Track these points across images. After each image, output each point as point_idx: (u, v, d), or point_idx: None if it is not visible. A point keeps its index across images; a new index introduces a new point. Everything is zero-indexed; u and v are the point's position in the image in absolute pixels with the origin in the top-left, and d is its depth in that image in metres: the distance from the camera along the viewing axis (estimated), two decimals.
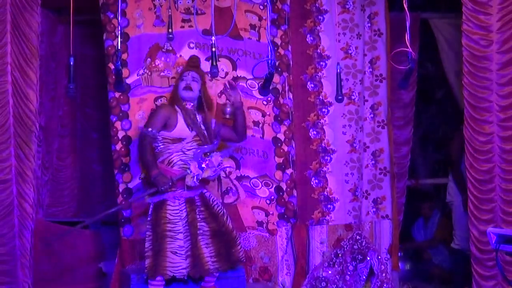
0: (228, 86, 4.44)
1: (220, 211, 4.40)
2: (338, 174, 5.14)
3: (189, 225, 4.26)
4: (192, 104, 4.44)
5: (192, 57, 4.62)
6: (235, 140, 4.65)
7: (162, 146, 4.33)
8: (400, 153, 5.86)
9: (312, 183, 5.12)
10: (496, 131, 4.71)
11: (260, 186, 4.92)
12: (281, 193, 4.95)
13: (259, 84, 4.90)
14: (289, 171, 4.97)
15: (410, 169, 6.07)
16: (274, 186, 4.95)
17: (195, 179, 4.24)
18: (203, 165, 4.26)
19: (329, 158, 5.14)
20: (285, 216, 4.96)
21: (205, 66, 4.84)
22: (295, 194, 4.99)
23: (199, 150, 4.30)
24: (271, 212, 4.94)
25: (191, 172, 4.24)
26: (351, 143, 5.18)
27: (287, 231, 4.97)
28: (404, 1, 3.21)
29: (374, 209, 5.22)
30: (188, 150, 4.34)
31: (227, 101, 4.45)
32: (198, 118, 4.45)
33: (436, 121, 6.93)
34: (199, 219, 4.31)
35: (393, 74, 5.29)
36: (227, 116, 4.41)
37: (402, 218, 5.83)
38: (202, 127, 4.44)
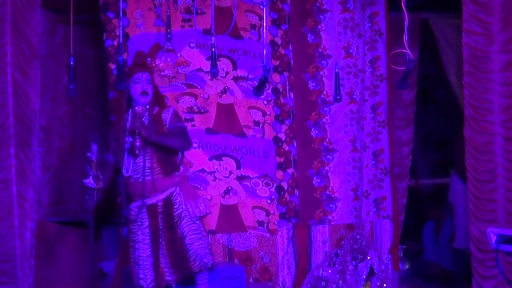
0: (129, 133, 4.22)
1: (176, 217, 4.21)
2: (340, 173, 5.14)
3: (151, 233, 4.17)
4: (141, 107, 4.26)
5: (138, 53, 4.42)
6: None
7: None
8: (401, 154, 5.85)
9: (314, 182, 5.11)
10: (498, 132, 4.72)
11: (261, 186, 4.92)
12: (282, 193, 4.95)
13: (253, 86, 4.90)
14: (290, 170, 4.97)
15: (410, 169, 6.06)
16: (275, 185, 4.95)
17: (91, 179, 4.10)
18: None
19: (331, 157, 5.13)
20: (286, 215, 4.96)
21: (206, 65, 4.86)
22: (297, 194, 4.99)
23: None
24: (272, 212, 4.94)
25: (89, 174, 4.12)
26: (352, 142, 5.18)
27: (288, 231, 4.97)
28: (402, 2, 3.21)
29: (375, 209, 5.23)
30: (137, 157, 4.18)
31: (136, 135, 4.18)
32: (144, 119, 4.24)
33: (436, 121, 6.93)
34: (160, 227, 4.19)
35: (394, 74, 5.29)
36: (136, 152, 4.16)
37: (403, 219, 5.81)
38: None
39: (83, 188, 4.14)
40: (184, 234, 4.17)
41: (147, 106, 4.24)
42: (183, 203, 4.21)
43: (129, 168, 4.18)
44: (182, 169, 4.29)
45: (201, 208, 4.25)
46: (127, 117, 4.25)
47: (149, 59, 4.42)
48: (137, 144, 4.12)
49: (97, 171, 4.10)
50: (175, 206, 4.20)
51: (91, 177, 4.08)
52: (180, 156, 4.30)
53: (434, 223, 6.43)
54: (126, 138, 4.19)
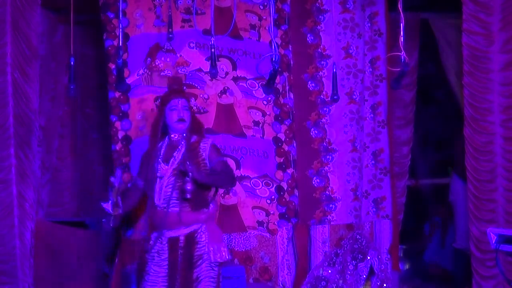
0: (180, 172, 3.95)
1: (196, 257, 3.95)
2: (340, 173, 5.14)
3: (169, 267, 3.95)
4: (177, 135, 4.09)
5: (175, 79, 4.35)
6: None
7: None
8: (400, 153, 5.86)
9: (313, 182, 5.11)
10: (498, 132, 4.72)
11: (261, 186, 4.92)
12: (281, 193, 4.95)
13: (259, 84, 4.91)
14: (290, 170, 4.97)
15: (410, 169, 6.06)
16: (274, 186, 4.95)
17: (109, 205, 3.88)
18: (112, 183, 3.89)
19: (330, 157, 5.13)
20: (286, 216, 4.96)
21: (206, 66, 4.86)
22: (296, 194, 4.99)
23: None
24: (271, 212, 4.94)
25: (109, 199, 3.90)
26: (352, 142, 5.18)
27: (288, 231, 4.98)
28: (399, 4, 3.22)
29: (374, 209, 5.23)
30: (167, 186, 3.99)
31: (187, 178, 3.89)
32: (180, 147, 4.05)
33: (436, 121, 6.93)
34: (179, 262, 3.94)
35: (394, 74, 5.29)
36: (187, 196, 3.88)
37: (402, 218, 5.82)
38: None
39: (100, 209, 3.91)
40: (200, 279, 3.92)
41: (184, 134, 4.07)
42: (206, 244, 3.96)
43: (160, 197, 3.96)
44: (211, 206, 4.05)
45: (223, 254, 3.99)
46: (161, 145, 4.08)
47: (184, 87, 4.34)
48: (189, 188, 3.85)
49: (117, 198, 3.89)
50: (198, 245, 3.96)
51: (110, 202, 3.88)
52: (213, 192, 4.06)
53: (440, 228, 6.40)
54: (158, 165, 4.00)
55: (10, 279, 4.69)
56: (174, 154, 4.02)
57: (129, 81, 4.84)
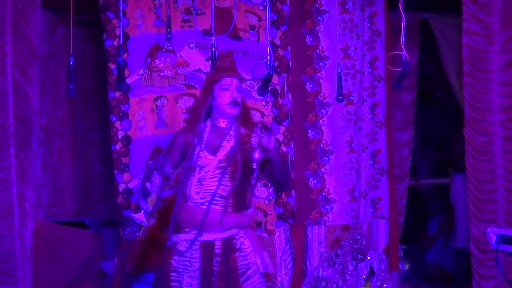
0: (261, 127, 3.44)
1: (242, 267, 3.38)
2: (336, 174, 5.14)
3: (201, 277, 3.35)
4: (226, 121, 3.52)
5: (228, 54, 3.80)
6: (272, 185, 3.77)
7: (182, 175, 3.51)
8: (400, 155, 5.85)
9: (310, 183, 5.11)
10: (498, 132, 4.71)
11: (259, 186, 4.92)
12: (279, 194, 4.95)
13: (258, 85, 4.90)
14: None
15: (410, 169, 6.05)
16: (272, 187, 4.95)
17: (143, 216, 3.30)
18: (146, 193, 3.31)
19: (327, 158, 5.13)
20: (283, 216, 4.96)
21: (206, 66, 4.86)
22: (293, 195, 5.00)
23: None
24: (269, 213, 4.94)
25: (139, 206, 3.33)
26: (349, 143, 5.18)
27: (286, 232, 4.98)
28: (399, 4, 3.21)
29: (371, 210, 5.22)
30: (208, 179, 3.42)
31: (258, 145, 3.41)
32: (229, 137, 3.50)
33: (436, 121, 6.93)
34: (214, 272, 3.36)
35: (393, 75, 5.29)
36: (253, 166, 3.38)
37: (403, 220, 5.80)
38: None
39: (126, 220, 3.61)
40: None
41: (233, 122, 3.52)
42: (251, 252, 3.43)
43: (199, 191, 3.40)
44: (252, 209, 3.53)
45: (268, 264, 3.50)
46: (203, 128, 3.50)
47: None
48: (257, 156, 3.35)
49: (153, 208, 3.30)
50: (239, 253, 3.40)
51: (143, 212, 3.30)
52: (252, 191, 3.54)
53: (445, 231, 6.39)
54: (201, 153, 3.43)
55: (10, 279, 4.69)
56: (223, 143, 3.46)
57: (129, 81, 4.84)
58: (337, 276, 4.81)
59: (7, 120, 4.70)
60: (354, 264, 4.77)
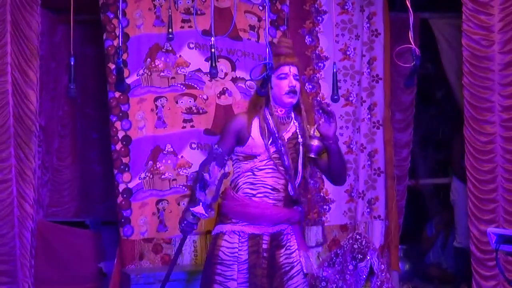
0: (322, 111, 3.29)
1: (286, 266, 3.29)
2: None
3: (249, 272, 3.24)
4: (284, 110, 3.37)
5: (285, 41, 3.53)
6: (328, 178, 3.59)
7: (234, 164, 3.42)
8: (400, 156, 5.85)
9: (308, 184, 5.11)
10: (498, 132, 4.72)
11: None
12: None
13: (257, 86, 4.89)
14: None
15: (410, 170, 6.05)
16: None
17: (202, 209, 3.21)
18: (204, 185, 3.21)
19: None
20: None
21: (205, 66, 4.86)
22: None
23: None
24: None
25: (197, 199, 3.23)
26: (347, 144, 5.18)
27: None
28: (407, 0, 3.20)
29: (368, 210, 5.22)
30: (261, 170, 3.30)
31: (315, 133, 3.28)
32: (290, 127, 3.36)
33: (436, 121, 6.93)
34: (262, 267, 3.25)
35: (393, 75, 5.29)
36: (312, 155, 3.27)
37: (402, 221, 5.79)
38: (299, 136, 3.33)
39: (183, 212, 3.30)
40: None
41: (291, 111, 3.37)
42: (296, 250, 3.34)
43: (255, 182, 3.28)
44: (302, 205, 3.42)
45: (313, 265, 3.42)
46: (260, 117, 3.33)
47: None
48: (315, 145, 3.22)
49: (212, 200, 3.22)
50: (286, 251, 3.29)
51: (201, 204, 3.21)
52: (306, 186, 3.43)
53: (443, 230, 6.38)
54: (255, 141, 3.28)
55: (10, 279, 4.69)
56: (283, 133, 3.33)
57: (129, 81, 4.84)
58: (337, 276, 4.80)
59: (7, 120, 4.69)
60: (354, 264, 4.76)
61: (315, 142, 3.26)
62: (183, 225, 3.27)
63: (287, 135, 3.36)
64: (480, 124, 4.75)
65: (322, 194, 5.12)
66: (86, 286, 5.42)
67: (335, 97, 3.41)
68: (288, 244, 3.34)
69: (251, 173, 3.32)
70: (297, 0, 5.15)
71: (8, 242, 4.68)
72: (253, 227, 3.30)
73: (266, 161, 3.31)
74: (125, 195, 4.81)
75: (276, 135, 3.31)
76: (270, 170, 3.30)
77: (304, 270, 3.36)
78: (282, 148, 3.31)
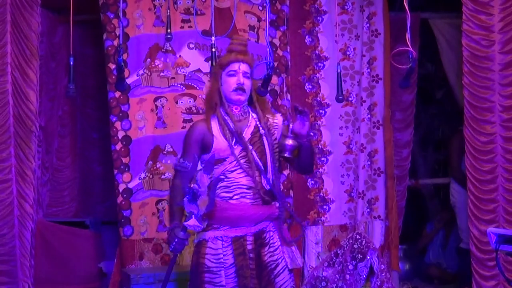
0: (297, 111, 3.26)
1: (271, 263, 3.28)
2: (334, 175, 5.15)
3: (238, 274, 3.22)
4: (239, 107, 3.37)
5: (238, 38, 3.57)
6: (295, 169, 3.63)
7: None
8: (400, 156, 5.85)
9: (308, 184, 5.12)
10: (498, 132, 4.72)
11: None
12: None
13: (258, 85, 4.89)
14: (286, 172, 4.96)
15: (410, 170, 6.05)
16: None
17: (196, 221, 3.12)
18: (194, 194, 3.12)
19: (325, 159, 5.14)
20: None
21: (205, 67, 4.86)
22: (292, 195, 5.00)
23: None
24: None
25: (188, 212, 3.14)
26: (347, 144, 5.18)
27: None
28: (404, 1, 3.20)
29: (368, 210, 5.23)
30: (233, 171, 3.27)
31: (289, 132, 3.30)
32: (249, 122, 3.34)
33: (436, 121, 6.93)
34: (250, 268, 3.22)
35: (393, 75, 5.29)
36: (286, 155, 3.26)
37: (402, 221, 5.78)
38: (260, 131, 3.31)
39: (170, 231, 3.22)
40: None
41: (247, 108, 3.37)
42: (279, 247, 3.31)
43: (228, 185, 3.25)
44: (281, 200, 3.36)
45: (298, 259, 3.36)
46: (218, 117, 3.32)
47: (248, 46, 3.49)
48: (290, 144, 3.21)
49: (207, 209, 3.12)
50: (270, 248, 3.28)
51: (194, 217, 3.11)
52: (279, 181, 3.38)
53: (443, 229, 6.38)
54: (219, 144, 3.25)
55: (10, 279, 4.69)
56: (244, 130, 3.32)
57: (129, 81, 4.84)
58: (337, 276, 4.80)
59: (7, 120, 4.70)
60: (354, 263, 4.77)
61: (289, 142, 3.26)
62: (174, 243, 3.19)
63: (249, 130, 3.36)
64: (480, 124, 4.75)
65: (322, 194, 5.12)
66: (86, 286, 5.42)
67: (340, 97, 3.40)
68: (271, 241, 3.32)
69: (223, 177, 3.28)
70: (297, 0, 5.15)
71: (8, 242, 4.68)
72: (235, 230, 3.28)
73: (235, 162, 3.29)
74: (125, 195, 4.81)
75: (238, 133, 3.31)
76: (241, 170, 3.28)
77: (289, 266, 3.34)
78: (248, 145, 3.29)
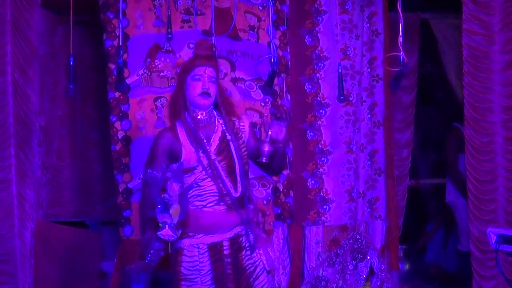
0: (273, 116, 3.41)
1: (249, 266, 3.31)
2: (334, 175, 5.14)
3: (214, 281, 3.24)
4: (204, 112, 3.38)
5: (204, 42, 3.54)
6: (263, 171, 3.69)
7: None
8: (400, 156, 5.85)
9: (308, 184, 5.12)
10: (498, 132, 4.72)
11: (257, 186, 4.92)
12: (277, 194, 4.95)
13: (258, 85, 4.90)
14: (285, 172, 4.97)
15: (410, 170, 6.06)
16: (271, 187, 4.95)
17: (169, 231, 3.08)
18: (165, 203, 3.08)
19: (325, 159, 5.14)
20: (282, 216, 4.96)
21: None
22: (292, 195, 5.00)
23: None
24: (267, 213, 4.94)
25: (161, 223, 3.08)
26: (348, 144, 5.18)
27: (284, 232, 4.98)
28: (398, 4, 3.21)
29: (369, 210, 5.23)
30: (204, 179, 3.28)
31: (266, 137, 3.31)
32: (216, 127, 3.36)
33: (436, 121, 6.93)
34: (227, 274, 3.25)
35: (392, 75, 5.28)
36: (263, 160, 3.27)
37: (402, 222, 5.79)
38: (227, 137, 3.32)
39: (146, 242, 3.19)
40: None
41: (213, 112, 3.37)
42: (256, 249, 3.35)
43: (201, 193, 3.25)
44: (253, 203, 3.41)
45: (273, 258, 3.41)
46: (185, 124, 3.32)
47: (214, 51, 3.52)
48: (266, 149, 3.22)
49: (180, 218, 3.09)
50: (247, 252, 3.31)
51: (167, 227, 3.07)
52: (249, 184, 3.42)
53: (443, 229, 6.39)
54: (188, 151, 3.24)
55: (10, 279, 4.70)
56: (212, 136, 3.32)
57: (129, 81, 4.84)
58: (337, 276, 4.81)
59: (7, 120, 4.71)
60: (354, 263, 4.77)
61: (266, 147, 3.28)
62: (150, 255, 3.18)
63: (217, 136, 3.37)
64: (480, 124, 4.75)
65: (322, 194, 5.12)
66: (86, 286, 5.42)
67: (341, 97, 3.42)
68: (247, 245, 3.34)
69: (195, 185, 3.28)
70: (297, 0, 5.15)
71: (8, 242, 4.69)
72: (211, 237, 3.29)
73: (206, 169, 3.30)
74: (125, 195, 4.81)
75: (205, 141, 3.31)
76: (208, 177, 3.29)
77: (267, 268, 3.36)
78: (211, 156, 3.29)
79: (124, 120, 4.85)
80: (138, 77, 4.88)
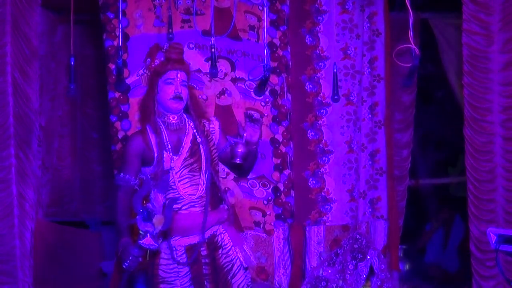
0: (247, 118, 3.38)
1: (227, 265, 3.35)
2: (335, 175, 5.13)
3: (193, 282, 3.26)
4: (176, 116, 3.40)
5: (174, 47, 3.48)
6: (232, 171, 3.75)
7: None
8: (400, 156, 5.86)
9: (309, 183, 5.11)
10: (498, 132, 4.72)
11: (258, 186, 4.92)
12: (278, 194, 4.95)
13: (255, 86, 4.90)
14: (286, 172, 4.97)
15: (410, 170, 6.06)
16: (271, 186, 4.95)
17: (151, 240, 3.04)
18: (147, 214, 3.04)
19: (326, 159, 5.14)
20: (282, 216, 4.96)
21: (205, 67, 4.85)
22: (293, 195, 5.00)
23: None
24: (268, 213, 4.93)
25: (142, 231, 3.04)
26: (349, 144, 5.18)
27: (284, 232, 4.98)
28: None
29: (370, 210, 5.23)
30: (178, 182, 3.30)
31: (239, 139, 3.37)
32: (187, 131, 3.39)
33: (436, 121, 6.94)
34: (204, 275, 3.28)
35: (393, 75, 5.29)
36: (237, 161, 3.31)
37: (402, 222, 5.79)
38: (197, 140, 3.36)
39: (123, 247, 3.20)
40: None
41: (185, 115, 3.40)
42: (232, 247, 3.37)
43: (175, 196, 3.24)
44: (226, 202, 3.46)
45: (250, 257, 3.44)
46: (156, 127, 3.33)
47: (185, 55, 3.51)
48: (240, 151, 3.26)
49: (163, 227, 3.06)
50: (223, 251, 3.34)
51: (149, 235, 3.05)
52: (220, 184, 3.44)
53: (443, 229, 6.39)
54: (162, 155, 3.26)
55: (10, 279, 4.69)
56: (182, 140, 3.34)
57: (129, 81, 4.84)
58: (337, 275, 4.81)
59: (7, 120, 4.70)
60: (354, 263, 4.78)
61: (240, 148, 3.32)
62: (128, 261, 3.15)
63: (188, 139, 3.39)
64: (480, 124, 4.75)
65: (323, 193, 5.12)
66: (86, 286, 5.43)
67: (336, 97, 3.43)
68: (223, 243, 3.37)
69: (170, 188, 3.30)
70: (297, 0, 5.15)
71: (8, 242, 4.69)
72: (187, 239, 3.32)
73: (179, 172, 3.31)
74: None
75: (181, 143, 3.34)
76: (186, 180, 3.32)
77: (244, 265, 3.40)
78: (188, 155, 3.32)
79: (124, 120, 4.85)
80: (138, 77, 4.88)
